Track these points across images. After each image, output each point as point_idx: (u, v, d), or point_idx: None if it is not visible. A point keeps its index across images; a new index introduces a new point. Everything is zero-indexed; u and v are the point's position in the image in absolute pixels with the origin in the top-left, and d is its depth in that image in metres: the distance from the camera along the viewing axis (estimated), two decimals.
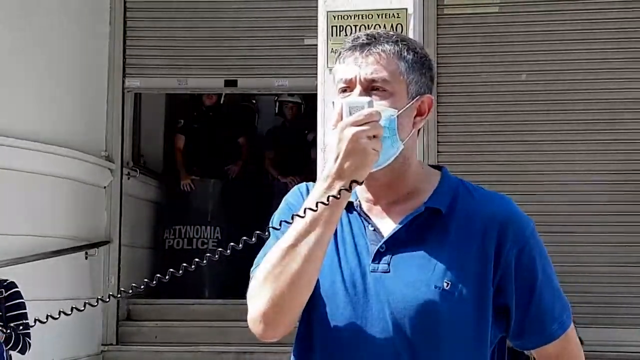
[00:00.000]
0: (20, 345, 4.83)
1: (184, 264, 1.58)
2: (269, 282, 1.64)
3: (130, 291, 1.57)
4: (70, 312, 1.42)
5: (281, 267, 1.63)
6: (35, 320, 1.42)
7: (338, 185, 1.62)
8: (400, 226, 1.73)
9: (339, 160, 1.62)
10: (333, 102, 1.76)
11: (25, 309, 4.95)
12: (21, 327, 4.78)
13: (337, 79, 1.78)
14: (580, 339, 7.02)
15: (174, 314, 7.34)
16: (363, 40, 1.77)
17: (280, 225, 1.69)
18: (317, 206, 1.61)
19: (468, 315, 1.71)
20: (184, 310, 7.36)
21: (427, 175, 1.83)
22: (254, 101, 9.20)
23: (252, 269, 1.75)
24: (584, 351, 6.86)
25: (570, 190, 6.70)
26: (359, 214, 1.77)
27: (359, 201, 1.78)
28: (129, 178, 7.39)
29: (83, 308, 1.43)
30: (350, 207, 1.76)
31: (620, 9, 6.70)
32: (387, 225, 1.75)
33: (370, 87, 1.73)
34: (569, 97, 6.75)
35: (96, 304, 1.48)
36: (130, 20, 7.28)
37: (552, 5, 6.76)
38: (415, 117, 1.76)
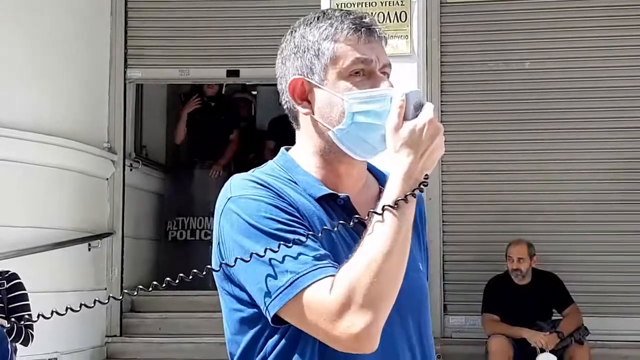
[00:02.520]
0: (22, 337, 4.81)
1: (181, 274, 1.50)
2: (376, 295, 1.50)
3: (135, 293, 1.51)
4: (79, 309, 1.38)
5: (386, 273, 1.51)
6: (38, 316, 1.39)
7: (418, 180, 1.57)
8: None
9: (426, 156, 1.57)
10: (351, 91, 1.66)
11: (27, 300, 4.93)
12: (23, 319, 4.77)
13: (345, 60, 1.67)
14: (585, 328, 6.99)
15: (178, 306, 7.33)
16: (367, 21, 1.70)
17: (382, 211, 1.54)
18: (407, 200, 1.54)
19: (427, 290, 1.80)
20: (188, 302, 7.34)
21: None
22: (254, 92, 9.16)
23: (292, 279, 1.53)
24: (592, 340, 6.85)
25: (574, 179, 6.67)
26: (349, 207, 1.69)
27: (345, 195, 1.70)
28: (131, 169, 7.37)
29: (93, 305, 1.39)
30: (330, 202, 1.68)
31: None
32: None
33: (383, 73, 1.68)
34: (573, 84, 6.71)
35: (107, 301, 1.44)
36: (131, 10, 7.24)
37: None
38: None
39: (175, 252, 7.70)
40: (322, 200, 1.67)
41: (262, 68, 7.08)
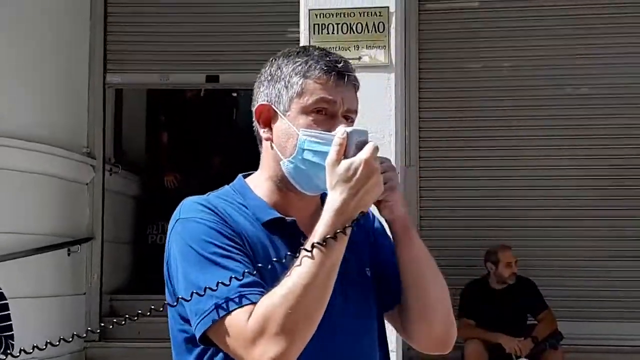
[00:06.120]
0: (3, 347, 4.79)
1: (139, 311, 1.58)
2: (290, 325, 1.57)
3: (98, 331, 1.58)
4: (44, 347, 1.39)
5: (303, 306, 1.58)
6: (21, 350, 1.40)
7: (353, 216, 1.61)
8: None
9: (360, 195, 1.59)
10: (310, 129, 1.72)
11: (7, 310, 4.90)
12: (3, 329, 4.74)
13: (310, 97, 1.73)
14: (560, 333, 7.06)
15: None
16: (342, 65, 1.76)
17: (312, 248, 1.60)
18: (336, 238, 1.58)
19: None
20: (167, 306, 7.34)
21: None
22: (234, 94, 9.18)
23: (216, 304, 1.62)
24: (566, 345, 6.88)
25: (550, 185, 6.73)
26: (295, 232, 1.75)
27: (291, 219, 1.77)
28: (110, 174, 7.37)
29: (57, 343, 1.41)
30: (276, 226, 1.74)
31: (601, 1, 6.74)
32: None
33: (345, 117, 1.75)
34: (551, 91, 6.78)
35: (71, 339, 1.46)
36: (110, 15, 7.24)
37: None
38: None
39: (155, 256, 7.69)
40: (270, 225, 1.74)
41: (242, 73, 7.10)
